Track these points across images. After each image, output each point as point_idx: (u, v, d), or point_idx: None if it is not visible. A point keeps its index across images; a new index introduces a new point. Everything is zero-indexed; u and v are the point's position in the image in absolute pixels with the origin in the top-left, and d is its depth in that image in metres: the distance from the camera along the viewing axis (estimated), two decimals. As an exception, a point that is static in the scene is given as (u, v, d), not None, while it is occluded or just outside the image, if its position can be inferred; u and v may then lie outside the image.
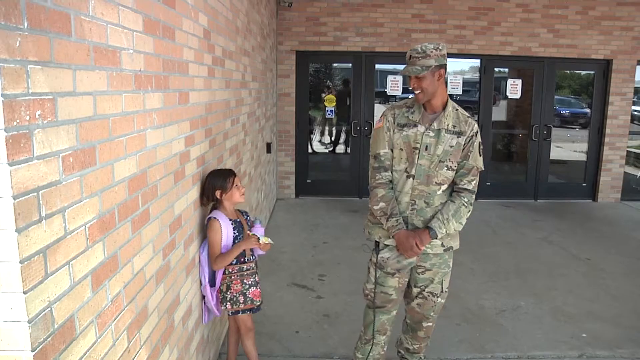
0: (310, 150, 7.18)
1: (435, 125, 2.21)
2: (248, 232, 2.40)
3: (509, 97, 7.06)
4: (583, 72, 7.48)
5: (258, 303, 2.43)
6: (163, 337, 1.91)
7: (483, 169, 2.30)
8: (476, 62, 6.90)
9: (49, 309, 1.11)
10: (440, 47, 2.15)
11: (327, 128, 7.67)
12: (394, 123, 2.26)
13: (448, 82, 6.89)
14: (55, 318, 1.13)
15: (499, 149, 7.44)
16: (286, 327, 3.20)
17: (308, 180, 6.97)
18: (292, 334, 3.16)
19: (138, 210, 1.63)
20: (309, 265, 4.39)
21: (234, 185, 2.38)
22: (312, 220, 5.83)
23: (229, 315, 2.50)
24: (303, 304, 3.60)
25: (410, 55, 2.17)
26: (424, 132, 2.21)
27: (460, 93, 7.10)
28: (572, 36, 6.55)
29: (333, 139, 7.73)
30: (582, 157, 7.18)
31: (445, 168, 2.23)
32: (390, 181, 2.28)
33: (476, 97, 7.14)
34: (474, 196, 2.29)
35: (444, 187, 2.26)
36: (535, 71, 6.78)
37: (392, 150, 2.27)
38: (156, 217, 1.81)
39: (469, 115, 2.28)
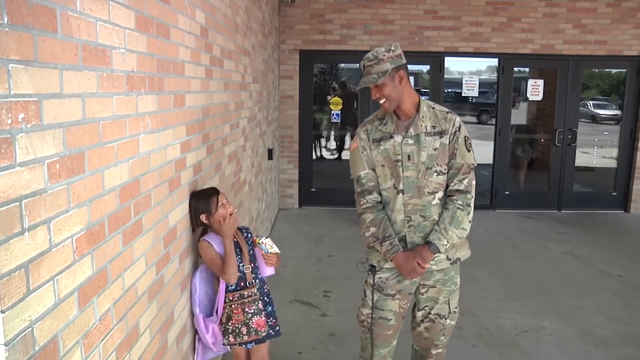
0: (314, 157, 7.18)
1: (412, 131, 2.16)
2: (255, 238, 2.33)
3: (530, 99, 7.04)
4: (613, 71, 7.44)
5: (263, 334, 2.28)
6: (155, 359, 1.89)
7: (475, 164, 2.22)
8: (494, 62, 6.89)
9: (30, 329, 1.10)
10: (392, 48, 2.12)
11: (332, 133, 7.68)
12: (369, 140, 2.22)
13: (463, 83, 6.89)
14: (36, 339, 1.12)
15: (518, 155, 7.41)
16: (288, 348, 3.17)
17: (312, 189, 6.96)
18: (295, 356, 3.13)
19: (130, 221, 1.63)
20: (314, 280, 4.36)
21: (219, 204, 2.24)
22: (317, 232, 5.81)
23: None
24: (307, 323, 3.57)
25: (364, 65, 2.13)
26: (401, 141, 2.17)
27: (477, 95, 7.10)
28: (601, 31, 6.52)
29: (339, 144, 7.74)
30: (612, 163, 7.12)
31: (435, 174, 2.17)
32: (379, 202, 2.23)
33: (494, 99, 7.14)
34: (469, 195, 2.19)
35: (439, 194, 2.20)
36: (559, 71, 6.75)
37: (374, 170, 2.23)
38: (149, 228, 1.80)
39: (447, 110, 2.23)
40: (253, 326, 2.25)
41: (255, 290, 2.29)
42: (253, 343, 2.35)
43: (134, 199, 1.66)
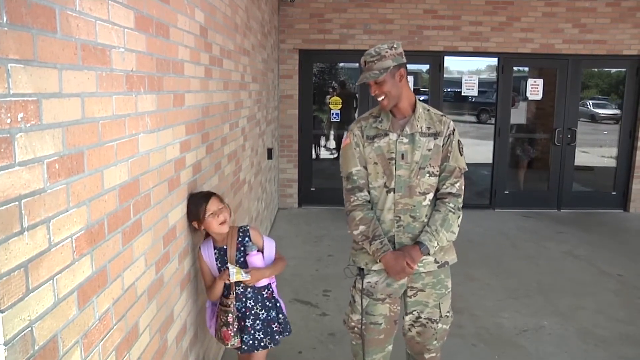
0: (314, 156, 7.17)
1: (407, 130, 2.16)
2: (227, 266, 2.22)
3: (529, 99, 7.04)
4: (613, 70, 7.44)
5: (229, 345, 2.28)
6: (155, 358, 1.89)
7: (466, 169, 2.24)
8: (493, 61, 6.89)
9: (30, 328, 1.10)
10: (395, 46, 2.11)
11: (332, 132, 7.67)
12: (363, 136, 2.21)
13: (463, 82, 6.89)
14: (36, 339, 1.12)
15: (518, 155, 7.42)
16: (288, 347, 3.17)
17: (312, 189, 6.96)
18: (295, 355, 3.13)
19: (129, 221, 1.63)
20: (313, 280, 4.36)
21: (209, 213, 2.19)
22: (317, 231, 5.81)
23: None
24: (306, 322, 3.57)
25: (365, 61, 2.12)
26: (396, 139, 2.16)
27: (476, 94, 7.10)
28: (600, 31, 6.53)
29: (338, 144, 7.73)
30: (612, 162, 7.12)
31: (428, 175, 2.17)
32: (368, 201, 2.22)
33: (493, 99, 7.13)
34: (460, 199, 2.21)
35: (430, 196, 2.20)
36: (559, 70, 6.75)
37: (365, 167, 2.22)
38: (149, 228, 1.80)
39: (442, 113, 2.25)
40: (221, 335, 2.28)
41: (229, 302, 2.25)
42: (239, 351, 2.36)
43: (134, 198, 1.66)
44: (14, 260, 1.04)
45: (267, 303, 2.35)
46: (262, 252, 2.34)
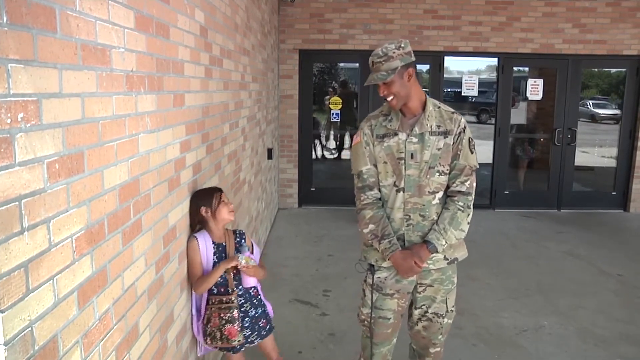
0: (314, 157, 7.18)
1: (417, 129, 2.16)
2: (234, 254, 2.28)
3: (529, 99, 7.04)
4: (613, 70, 7.44)
5: (235, 342, 2.27)
6: (155, 358, 1.89)
7: (477, 166, 2.23)
8: (493, 61, 6.89)
9: (30, 328, 1.10)
10: (402, 45, 2.11)
11: (332, 132, 7.68)
12: (373, 135, 2.21)
13: (463, 82, 6.89)
14: (36, 339, 1.12)
15: (518, 155, 7.43)
16: (288, 348, 3.17)
17: (312, 189, 6.96)
18: (295, 355, 3.13)
19: (129, 221, 1.63)
20: (313, 279, 4.36)
21: (221, 201, 2.30)
22: (317, 231, 5.81)
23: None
24: (306, 322, 3.57)
25: (372, 62, 2.12)
26: (406, 139, 2.16)
27: (476, 94, 7.10)
28: (600, 30, 6.53)
29: (338, 144, 7.74)
30: (612, 162, 7.12)
31: (437, 174, 2.18)
32: (379, 199, 2.23)
33: (493, 99, 7.14)
34: (470, 197, 2.21)
35: (440, 194, 2.20)
36: (559, 70, 6.75)
37: (375, 166, 2.22)
38: (149, 228, 1.80)
39: (453, 110, 2.24)
40: (225, 333, 2.26)
41: (233, 298, 2.28)
42: (231, 351, 2.35)
43: (134, 198, 1.66)
44: (14, 260, 1.04)
45: (254, 300, 2.41)
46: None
